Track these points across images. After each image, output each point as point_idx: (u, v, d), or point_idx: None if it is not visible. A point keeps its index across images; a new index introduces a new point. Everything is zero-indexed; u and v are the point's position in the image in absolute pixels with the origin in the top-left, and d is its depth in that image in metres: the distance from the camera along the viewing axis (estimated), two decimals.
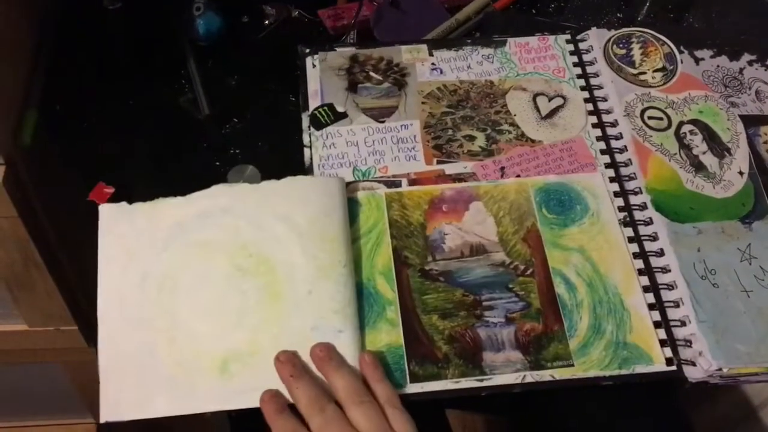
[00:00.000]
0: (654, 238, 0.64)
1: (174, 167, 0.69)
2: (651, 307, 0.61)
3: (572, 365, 0.58)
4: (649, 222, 0.65)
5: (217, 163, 0.69)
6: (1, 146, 0.60)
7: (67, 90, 0.71)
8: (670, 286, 0.62)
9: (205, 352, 0.57)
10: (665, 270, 0.63)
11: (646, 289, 0.62)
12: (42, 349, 0.83)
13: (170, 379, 0.56)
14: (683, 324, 0.60)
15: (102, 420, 0.56)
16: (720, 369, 0.58)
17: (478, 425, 0.95)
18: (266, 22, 0.79)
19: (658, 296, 0.62)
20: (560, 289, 0.61)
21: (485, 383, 0.58)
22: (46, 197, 0.67)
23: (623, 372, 0.59)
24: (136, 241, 0.60)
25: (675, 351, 0.59)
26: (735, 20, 0.83)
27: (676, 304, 0.61)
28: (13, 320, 0.79)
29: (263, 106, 0.73)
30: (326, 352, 0.56)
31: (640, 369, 0.59)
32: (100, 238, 0.61)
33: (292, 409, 0.54)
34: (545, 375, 0.58)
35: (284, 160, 0.68)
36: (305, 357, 0.56)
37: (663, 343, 0.60)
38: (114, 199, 0.65)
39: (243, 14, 0.80)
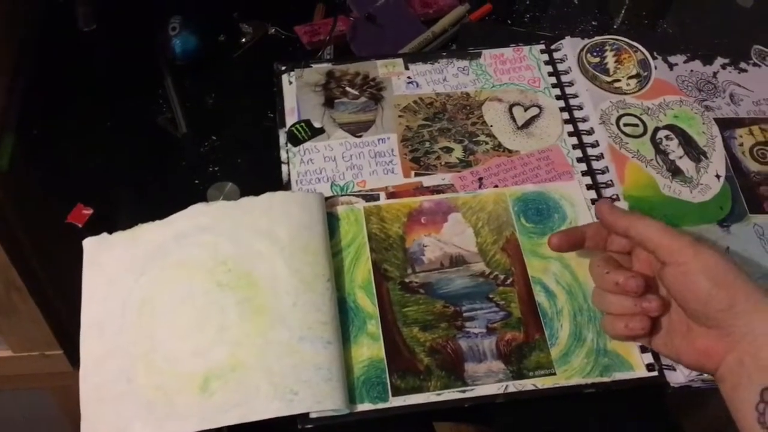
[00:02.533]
0: None
1: (153, 186, 0.67)
2: None
3: (554, 374, 0.57)
4: None
5: (196, 181, 0.67)
6: None
7: (44, 113, 0.70)
8: None
9: (184, 372, 0.55)
10: None
11: None
12: (28, 375, 0.81)
13: (148, 404, 0.54)
14: None
15: None
16: (700, 374, 0.56)
17: None
18: (243, 40, 0.78)
19: None
20: (540, 297, 0.60)
21: (468, 394, 0.56)
22: (25, 221, 0.65)
23: (605, 379, 0.57)
24: (116, 270, 0.59)
25: (656, 356, 0.58)
26: (709, 25, 0.83)
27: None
28: None
29: (241, 123, 0.72)
30: None
31: (622, 376, 0.57)
32: (84, 271, 0.59)
33: None
34: (527, 384, 0.56)
35: (263, 176, 0.67)
36: (297, 365, 0.54)
37: (644, 349, 0.58)
38: (93, 219, 0.64)
39: (220, 33, 0.79)
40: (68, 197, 0.65)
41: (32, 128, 0.69)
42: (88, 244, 0.60)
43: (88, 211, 0.64)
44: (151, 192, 0.67)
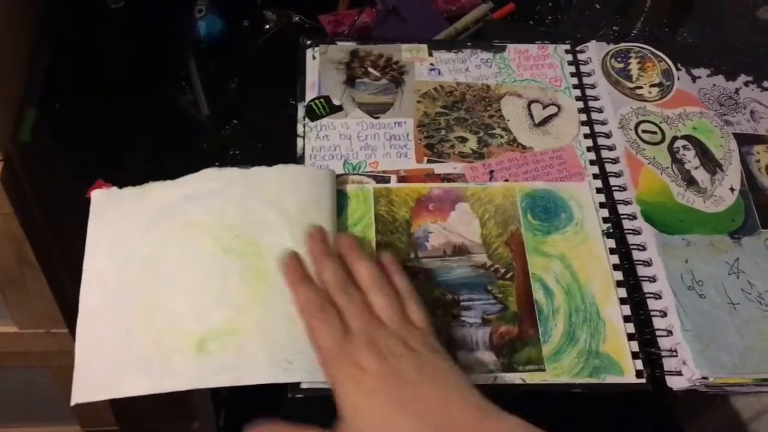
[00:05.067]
0: (642, 247, 0.61)
1: (173, 167, 0.63)
2: (626, 319, 0.58)
3: (543, 370, 0.55)
4: (638, 232, 0.62)
5: (217, 164, 0.64)
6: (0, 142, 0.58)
7: (67, 88, 0.68)
8: (657, 296, 0.59)
9: (182, 330, 0.54)
10: (652, 279, 0.59)
11: (623, 301, 0.59)
12: (31, 353, 0.80)
13: (145, 358, 0.53)
14: (669, 333, 0.57)
15: (72, 402, 0.52)
16: (705, 378, 0.55)
17: None
18: (266, 26, 0.76)
19: (635, 309, 0.58)
20: (538, 294, 0.58)
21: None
22: (42, 195, 0.64)
23: (593, 381, 0.55)
24: (122, 224, 0.58)
25: (647, 363, 0.56)
26: (729, 36, 0.80)
27: (663, 314, 0.58)
28: (2, 322, 0.76)
29: (263, 109, 0.70)
30: (353, 240, 0.55)
31: (611, 379, 0.55)
32: (89, 223, 0.58)
33: None
34: (516, 378, 0.55)
35: (283, 162, 0.63)
36: (294, 337, 0.53)
37: (636, 355, 0.56)
38: None
39: (244, 18, 0.76)
40: (87, 174, 0.62)
41: (55, 102, 0.67)
42: (96, 196, 0.59)
43: (108, 188, 0.63)
44: (170, 172, 0.63)
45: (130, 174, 0.63)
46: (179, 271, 0.56)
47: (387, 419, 0.46)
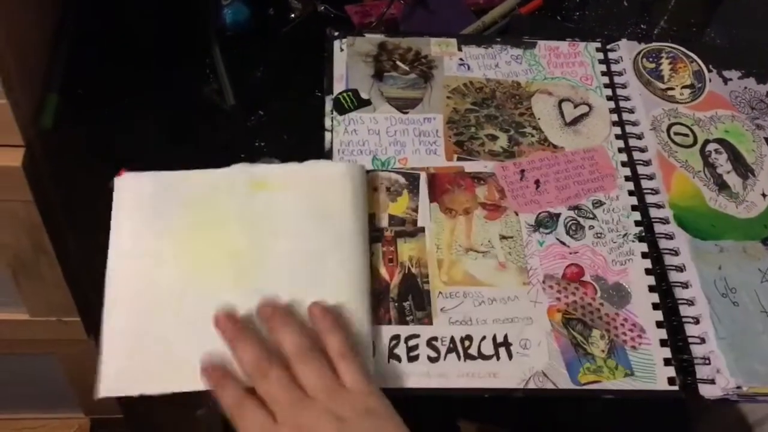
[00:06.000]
0: (676, 252, 0.60)
1: (197, 157, 0.62)
2: (659, 324, 0.57)
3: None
4: (671, 236, 0.60)
5: (242, 155, 0.62)
6: (22, 128, 0.55)
7: (90, 74, 0.65)
8: (690, 302, 0.57)
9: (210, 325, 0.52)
10: (686, 285, 0.58)
11: (655, 307, 0.58)
12: (41, 340, 0.78)
13: (174, 353, 0.51)
14: (702, 341, 0.56)
15: (98, 396, 0.51)
16: (739, 387, 0.53)
17: None
18: (292, 15, 0.73)
19: (667, 315, 0.57)
20: None
21: (488, 385, 0.53)
22: (62, 183, 0.62)
23: (625, 388, 0.54)
24: (147, 212, 0.56)
25: (680, 371, 0.55)
26: (756, 36, 0.78)
27: (696, 321, 0.57)
28: (14, 308, 0.73)
29: (288, 100, 0.68)
30: (272, 308, 0.51)
31: (642, 386, 0.54)
32: (113, 211, 0.56)
33: None
34: (548, 383, 0.54)
35: (309, 154, 0.62)
36: None
37: (668, 362, 0.55)
38: None
39: (269, 6, 0.74)
40: (109, 163, 0.60)
41: (77, 89, 0.64)
42: (120, 183, 0.56)
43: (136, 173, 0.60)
44: (194, 162, 0.60)
45: (152, 163, 0.60)
46: (206, 262, 0.54)
47: None
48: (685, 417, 0.69)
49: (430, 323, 0.55)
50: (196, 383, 0.50)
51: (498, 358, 0.54)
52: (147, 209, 0.56)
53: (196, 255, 0.54)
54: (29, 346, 0.80)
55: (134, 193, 0.56)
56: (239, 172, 0.57)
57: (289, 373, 0.48)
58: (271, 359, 0.48)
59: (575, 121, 0.67)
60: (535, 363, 0.55)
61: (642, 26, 0.79)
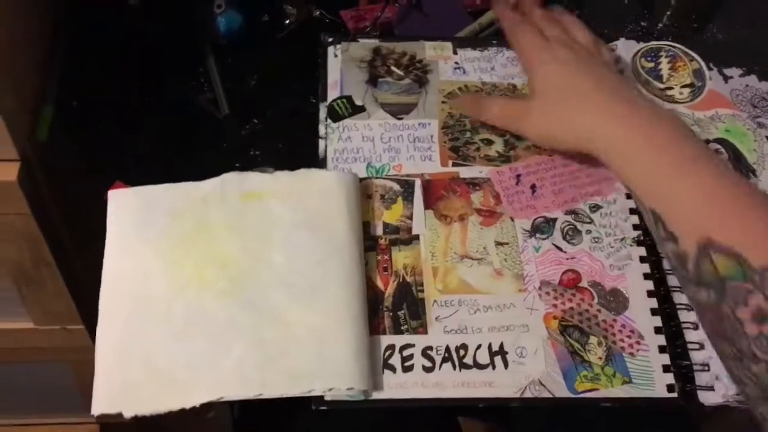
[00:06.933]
0: None
1: (192, 167, 0.61)
2: (657, 330, 0.56)
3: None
4: None
5: (237, 165, 0.62)
6: (16, 142, 0.55)
7: (84, 86, 0.65)
8: (689, 307, 0.56)
9: (207, 336, 0.52)
10: None
11: (654, 312, 0.57)
12: (48, 348, 0.78)
13: (169, 369, 0.51)
14: (702, 347, 0.55)
15: (93, 413, 0.50)
16: (738, 394, 0.52)
17: None
18: (287, 21, 0.73)
19: (666, 321, 0.56)
20: None
21: (484, 394, 0.53)
22: (59, 195, 0.62)
23: (623, 395, 0.53)
24: (141, 225, 0.55)
25: (679, 378, 0.54)
26: (760, 32, 0.76)
27: (696, 326, 0.56)
28: (19, 318, 0.74)
29: (284, 108, 0.67)
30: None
31: (641, 393, 0.53)
32: (107, 224, 0.56)
33: None
34: (544, 392, 0.53)
35: (304, 162, 0.61)
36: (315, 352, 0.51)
37: (666, 368, 0.55)
38: None
39: (263, 13, 0.73)
40: (104, 173, 0.60)
41: (72, 100, 0.64)
42: (114, 196, 0.57)
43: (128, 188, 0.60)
44: (189, 172, 0.60)
45: (147, 173, 0.60)
46: (197, 275, 0.54)
47: (571, 79, 0.59)
48: (693, 417, 0.68)
49: (425, 332, 0.55)
50: (186, 401, 0.50)
51: (494, 367, 0.54)
52: (137, 223, 0.55)
53: (186, 268, 0.54)
54: (36, 353, 0.81)
55: (125, 208, 0.56)
56: (230, 182, 0.57)
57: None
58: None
59: None
60: (531, 371, 0.54)
61: (642, 23, 0.77)
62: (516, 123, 0.62)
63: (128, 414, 0.50)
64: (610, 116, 0.56)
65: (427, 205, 0.60)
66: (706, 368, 0.54)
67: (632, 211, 0.61)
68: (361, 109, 0.65)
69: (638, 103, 0.57)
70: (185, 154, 0.64)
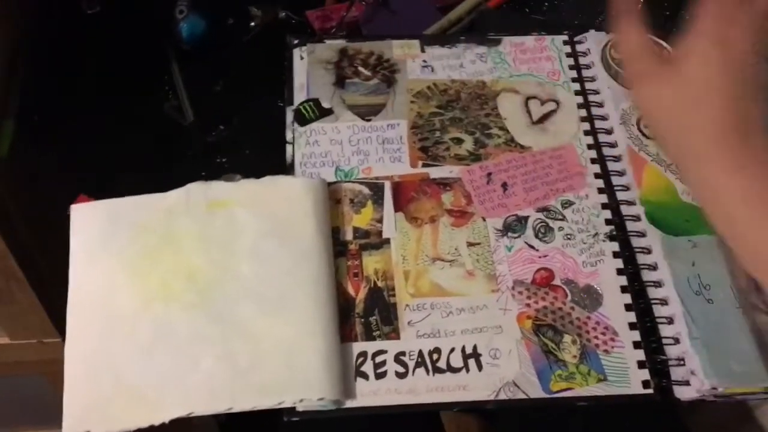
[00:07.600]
0: (648, 251, 0.58)
1: (158, 176, 0.60)
2: (632, 326, 0.55)
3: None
4: (642, 234, 0.59)
5: (203, 173, 0.60)
6: None
7: (45, 99, 0.64)
8: (664, 301, 0.56)
9: (175, 350, 0.51)
10: (658, 284, 0.56)
11: (628, 308, 0.56)
12: (25, 362, 0.78)
13: (137, 385, 0.50)
14: (676, 341, 0.54)
15: None
16: (714, 388, 0.52)
17: (471, 427, 0.89)
18: (252, 23, 0.71)
19: (640, 316, 0.56)
20: None
21: (458, 398, 0.52)
22: (25, 209, 0.60)
23: (599, 393, 0.53)
24: (104, 239, 0.55)
25: (655, 373, 0.54)
26: None
27: (670, 320, 0.55)
28: None
29: (250, 113, 0.66)
30: None
31: (616, 391, 0.53)
32: (71, 239, 0.55)
33: None
34: (519, 393, 0.52)
35: (272, 168, 0.60)
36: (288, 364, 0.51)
37: (642, 365, 0.54)
38: None
39: (228, 16, 0.72)
40: (69, 186, 0.59)
41: (33, 114, 0.63)
42: (76, 211, 0.56)
43: (89, 202, 0.59)
44: (155, 182, 0.59)
45: (113, 184, 0.60)
46: (162, 287, 0.53)
47: (721, 70, 0.49)
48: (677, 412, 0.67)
49: (398, 338, 0.54)
50: (155, 417, 0.49)
51: (467, 370, 0.53)
52: (102, 237, 0.55)
53: (153, 281, 0.53)
54: (12, 368, 0.80)
55: (89, 221, 0.55)
56: (195, 191, 0.56)
57: None
58: None
59: (543, 118, 0.65)
60: (505, 373, 0.53)
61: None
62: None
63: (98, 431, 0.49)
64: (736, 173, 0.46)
65: (398, 207, 0.59)
66: (682, 363, 0.54)
67: (604, 206, 0.60)
68: (328, 112, 0.64)
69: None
70: (151, 163, 0.63)
